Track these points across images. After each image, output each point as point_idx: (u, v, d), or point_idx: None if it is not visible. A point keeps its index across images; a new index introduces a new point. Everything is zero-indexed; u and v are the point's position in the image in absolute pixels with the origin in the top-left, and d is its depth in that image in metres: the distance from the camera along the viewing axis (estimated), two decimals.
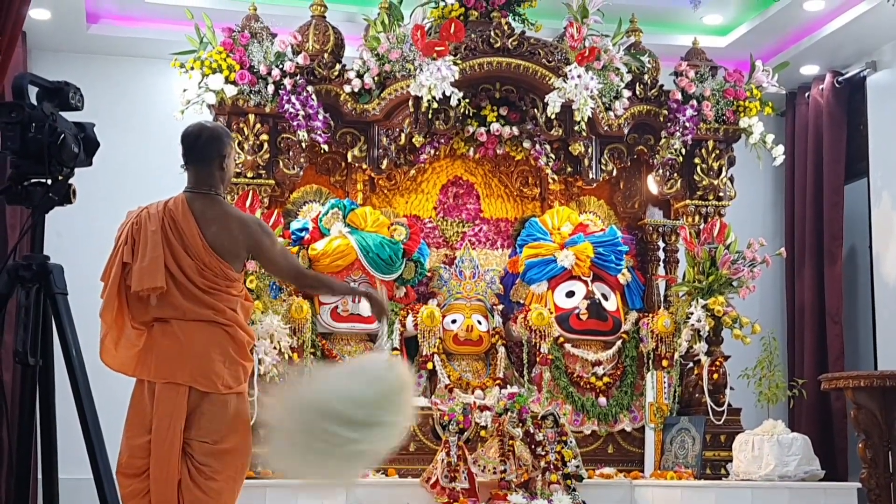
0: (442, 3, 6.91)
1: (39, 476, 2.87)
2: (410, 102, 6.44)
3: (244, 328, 4.05)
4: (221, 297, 3.96)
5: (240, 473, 4.03)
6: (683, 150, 6.92)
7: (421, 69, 6.31)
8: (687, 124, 6.85)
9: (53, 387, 2.81)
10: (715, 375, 6.64)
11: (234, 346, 3.98)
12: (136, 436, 3.90)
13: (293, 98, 6.34)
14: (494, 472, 6.06)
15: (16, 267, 2.79)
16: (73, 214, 5.21)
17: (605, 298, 6.94)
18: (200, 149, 4.03)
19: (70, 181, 2.85)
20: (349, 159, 6.69)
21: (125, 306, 3.94)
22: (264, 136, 6.45)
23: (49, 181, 2.82)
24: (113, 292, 3.90)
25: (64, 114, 2.87)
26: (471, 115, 6.64)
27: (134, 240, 3.93)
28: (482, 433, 6.19)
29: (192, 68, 6.35)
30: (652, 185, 7.12)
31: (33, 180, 2.82)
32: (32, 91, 2.88)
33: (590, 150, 6.82)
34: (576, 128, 6.57)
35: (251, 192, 6.30)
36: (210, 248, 3.93)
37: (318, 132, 6.40)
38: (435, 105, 6.31)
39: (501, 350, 6.84)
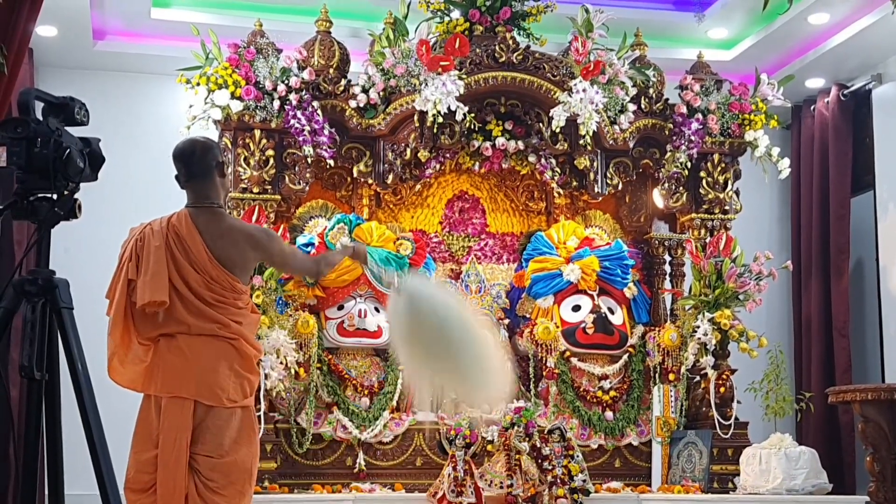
0: (447, 18, 6.92)
1: (46, 492, 2.86)
2: (416, 117, 6.45)
3: (250, 341, 4.06)
4: (228, 310, 3.96)
5: (247, 488, 4.02)
6: (689, 164, 6.92)
7: (426, 84, 6.32)
8: (692, 138, 6.86)
9: (59, 402, 2.81)
10: (722, 389, 6.63)
11: (239, 359, 3.98)
12: (143, 451, 3.90)
13: (299, 113, 6.36)
14: (501, 487, 6.05)
15: (21, 282, 2.79)
16: (79, 230, 5.23)
17: (612, 312, 6.93)
18: (198, 163, 4.04)
19: (75, 196, 2.86)
20: (355, 174, 6.70)
21: (131, 323, 3.94)
22: (270, 152, 6.46)
23: (55, 196, 2.82)
24: (120, 309, 3.91)
25: (69, 129, 2.88)
26: (476, 129, 6.65)
27: (138, 256, 3.94)
28: (489, 447, 6.19)
29: (198, 84, 6.37)
30: (658, 198, 7.12)
31: (39, 195, 2.82)
32: (39, 107, 2.89)
33: (595, 164, 6.82)
34: (581, 142, 6.58)
35: (257, 208, 6.31)
36: (217, 262, 3.94)
37: (324, 147, 6.41)
38: (440, 120, 6.32)
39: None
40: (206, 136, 4.36)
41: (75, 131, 2.90)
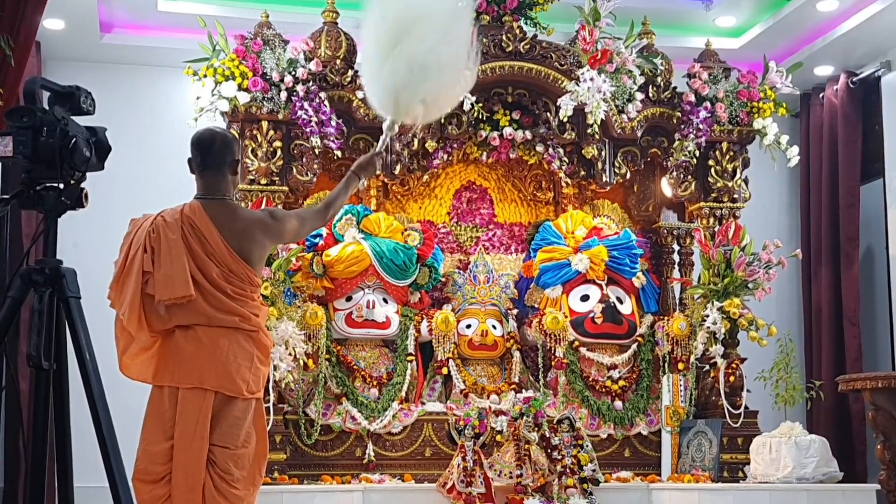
0: None
1: (55, 483, 2.86)
2: None
3: (267, 333, 4.07)
4: (247, 303, 3.96)
5: (257, 478, 4.04)
6: (697, 153, 6.90)
7: None
8: (700, 126, 6.83)
9: (67, 391, 2.81)
10: (731, 378, 6.62)
11: (258, 351, 3.98)
12: (155, 442, 3.88)
13: (306, 104, 6.35)
14: (510, 477, 6.05)
15: (29, 271, 2.78)
16: (86, 221, 5.24)
17: (620, 302, 6.92)
18: (216, 154, 4.03)
19: (82, 185, 2.85)
20: None
21: (143, 315, 3.92)
22: (277, 143, 6.46)
23: (61, 185, 2.82)
24: (136, 303, 3.86)
25: (75, 118, 2.87)
26: (483, 119, 6.64)
27: (153, 248, 3.89)
28: (498, 438, 6.18)
29: (205, 76, 6.36)
30: (666, 187, 7.10)
31: (45, 185, 2.82)
32: (46, 97, 2.88)
33: (603, 154, 6.80)
34: (589, 131, 6.56)
35: (265, 199, 6.30)
36: (237, 256, 3.93)
37: (331, 138, 6.40)
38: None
39: (516, 354, 6.83)
40: (229, 131, 4.32)
41: (81, 121, 2.89)
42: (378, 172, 4.29)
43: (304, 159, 6.52)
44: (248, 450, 3.97)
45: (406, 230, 6.73)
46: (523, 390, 6.64)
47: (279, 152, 6.47)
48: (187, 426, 3.84)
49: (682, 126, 6.89)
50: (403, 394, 6.53)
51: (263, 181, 6.43)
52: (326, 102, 6.42)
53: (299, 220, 4.22)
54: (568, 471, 6.10)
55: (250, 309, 3.97)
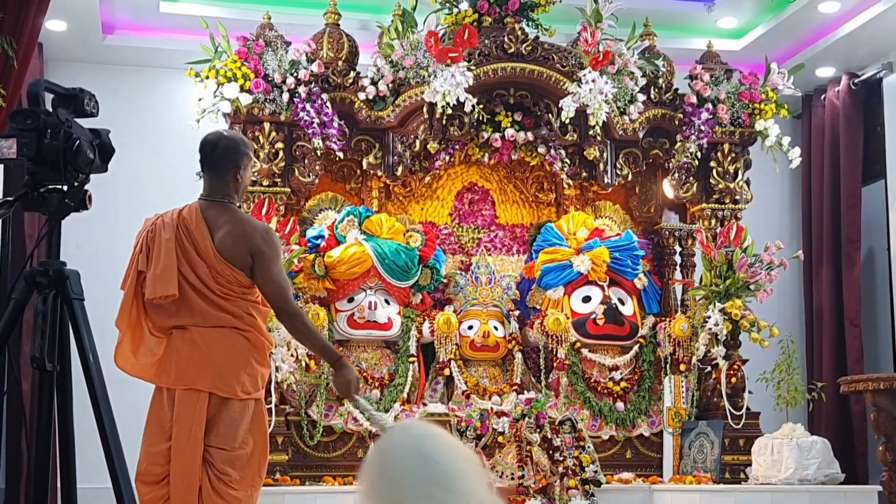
0: (455, 10, 6.91)
1: (58, 485, 2.86)
2: (425, 109, 6.44)
3: (263, 333, 4.05)
4: (239, 303, 3.96)
5: (257, 480, 4.03)
6: (699, 154, 6.90)
7: (435, 75, 6.31)
8: (702, 128, 6.83)
9: (71, 393, 2.81)
10: (733, 379, 6.62)
11: (254, 352, 3.98)
12: (155, 443, 3.90)
13: (308, 106, 6.36)
14: (512, 478, 6.05)
15: (32, 273, 2.79)
16: (90, 223, 5.25)
17: (622, 303, 6.92)
18: (216, 159, 4.03)
19: (86, 187, 2.86)
20: (364, 166, 6.70)
21: (143, 314, 3.95)
22: (279, 145, 6.46)
23: (65, 187, 2.82)
24: (128, 300, 3.92)
25: (79, 120, 2.87)
26: (485, 120, 6.64)
27: (148, 248, 3.94)
28: (500, 439, 6.18)
29: (208, 77, 6.37)
30: (668, 188, 7.10)
31: (49, 186, 2.82)
32: (49, 99, 2.89)
33: (605, 155, 6.80)
34: (590, 132, 6.56)
35: (267, 200, 6.31)
36: (219, 255, 3.93)
37: (333, 140, 6.41)
38: (449, 111, 6.32)
39: (518, 356, 6.83)
40: (241, 138, 4.22)
41: (85, 123, 2.89)
42: (355, 386, 4.05)
43: (306, 161, 6.53)
44: (246, 451, 3.96)
45: (408, 231, 6.74)
46: (525, 391, 6.65)
47: (281, 154, 6.48)
48: (182, 427, 3.86)
49: (684, 127, 6.89)
50: (405, 395, 6.53)
51: (265, 182, 6.44)
52: (328, 104, 6.43)
53: (279, 274, 4.00)
54: (570, 472, 6.10)
55: (244, 309, 3.96)
